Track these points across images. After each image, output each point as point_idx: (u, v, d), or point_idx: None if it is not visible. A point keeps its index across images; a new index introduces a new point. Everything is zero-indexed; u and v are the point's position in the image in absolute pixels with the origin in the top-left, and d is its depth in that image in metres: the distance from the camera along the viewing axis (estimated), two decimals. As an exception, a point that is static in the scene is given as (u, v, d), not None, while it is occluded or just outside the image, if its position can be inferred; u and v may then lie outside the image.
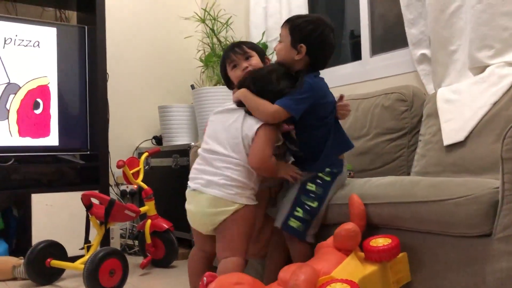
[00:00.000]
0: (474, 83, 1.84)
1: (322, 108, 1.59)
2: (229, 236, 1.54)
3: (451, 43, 2.03)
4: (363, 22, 2.63)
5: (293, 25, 1.61)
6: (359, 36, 2.67)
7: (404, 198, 1.40)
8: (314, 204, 1.57)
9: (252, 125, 1.56)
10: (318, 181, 1.59)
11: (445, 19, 2.02)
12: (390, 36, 2.57)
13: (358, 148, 2.18)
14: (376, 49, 2.60)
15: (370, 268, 1.32)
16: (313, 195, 1.58)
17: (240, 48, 1.71)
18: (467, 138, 1.74)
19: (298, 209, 1.57)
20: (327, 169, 1.60)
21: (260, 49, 1.78)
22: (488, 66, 1.85)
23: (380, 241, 1.36)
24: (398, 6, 2.26)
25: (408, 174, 1.99)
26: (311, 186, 1.58)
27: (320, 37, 1.59)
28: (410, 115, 2.10)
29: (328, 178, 1.60)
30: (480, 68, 1.89)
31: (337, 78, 2.72)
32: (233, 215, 1.53)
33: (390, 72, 2.39)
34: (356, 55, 2.73)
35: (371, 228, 1.49)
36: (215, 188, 1.53)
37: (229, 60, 1.72)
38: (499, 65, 1.81)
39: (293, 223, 1.56)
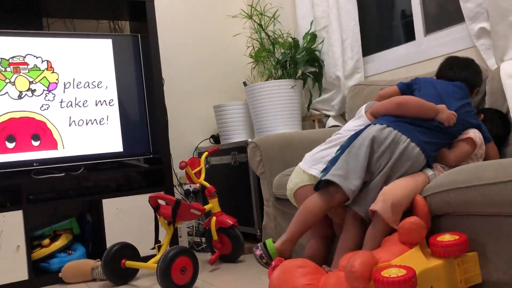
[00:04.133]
0: (540, 54, 1.74)
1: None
2: None
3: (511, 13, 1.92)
4: (415, 0, 2.55)
5: None
6: (411, 16, 2.58)
7: (471, 182, 1.34)
8: (336, 153, 1.65)
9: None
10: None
11: (503, -11, 1.91)
12: (444, 12, 2.47)
13: (418, 132, 2.12)
14: (430, 27, 2.51)
15: (435, 262, 1.30)
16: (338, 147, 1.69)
17: None
18: (536, 112, 1.65)
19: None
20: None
21: None
22: (554, 34, 1.74)
23: (447, 237, 1.34)
24: (450, -19, 2.17)
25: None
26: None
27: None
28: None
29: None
30: (546, 37, 1.78)
31: (391, 61, 2.66)
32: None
33: (447, 50, 2.29)
34: (409, 36, 2.64)
35: (440, 218, 1.45)
36: None
37: None
38: None
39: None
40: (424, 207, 1.43)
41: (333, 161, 1.61)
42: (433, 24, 2.50)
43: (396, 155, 1.52)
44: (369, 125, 1.66)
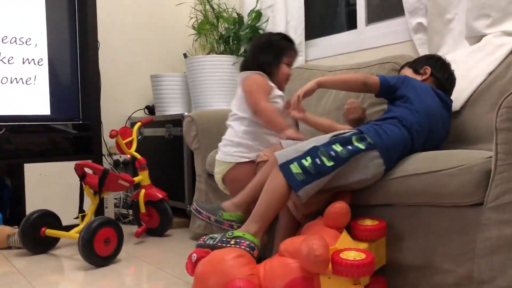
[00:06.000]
0: (470, 53, 1.83)
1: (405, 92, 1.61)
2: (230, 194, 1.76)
3: (447, 11, 2.00)
4: (359, -11, 2.59)
5: (414, 60, 1.80)
6: (355, 4, 2.62)
7: (396, 174, 1.40)
8: (329, 163, 1.39)
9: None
10: (348, 146, 1.42)
11: (442, -13, 1.99)
12: (386, 4, 2.53)
13: (352, 118, 2.18)
14: (372, 17, 2.56)
15: (363, 246, 1.34)
16: (333, 154, 1.40)
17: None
18: (462, 108, 1.74)
19: (308, 158, 1.41)
20: (368, 137, 1.44)
21: None
22: (484, 35, 1.84)
23: (368, 222, 1.39)
24: (395, -27, 2.22)
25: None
26: (337, 146, 1.42)
27: (439, 61, 1.72)
28: (405, 85, 2.09)
29: (361, 146, 1.43)
30: (476, 38, 1.87)
31: (332, 48, 2.70)
32: (226, 174, 1.79)
33: (386, 41, 2.36)
34: (351, 24, 2.69)
35: (365, 208, 1.50)
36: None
37: (292, 55, 1.86)
38: (495, 35, 1.79)
39: (295, 168, 1.41)
40: (348, 197, 1.47)
41: (319, 168, 1.39)
42: (375, 15, 2.55)
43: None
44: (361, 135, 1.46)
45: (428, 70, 1.70)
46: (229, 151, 1.80)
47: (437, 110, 1.59)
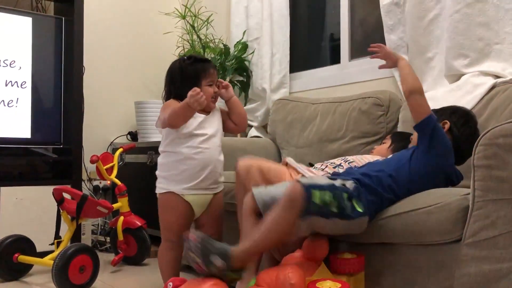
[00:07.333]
0: (450, 91, 1.88)
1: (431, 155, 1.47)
2: None
3: (428, 50, 2.06)
4: (343, 26, 2.65)
5: (439, 109, 1.62)
6: (339, 40, 2.69)
7: (376, 217, 1.39)
8: (334, 209, 1.32)
9: None
10: (354, 203, 1.36)
11: (423, 27, 2.05)
12: (369, 41, 2.58)
13: (334, 151, 2.21)
14: (355, 53, 2.62)
15: (341, 278, 1.33)
16: (343, 206, 1.33)
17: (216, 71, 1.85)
18: (441, 144, 1.77)
19: (330, 193, 1.32)
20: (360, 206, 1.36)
21: None
22: (463, 74, 1.89)
23: (346, 255, 1.39)
24: (378, 12, 2.29)
25: (383, 178, 2.01)
26: (356, 203, 1.36)
27: (463, 118, 1.58)
28: (386, 120, 2.13)
29: (359, 208, 1.35)
30: (455, 76, 1.93)
31: (316, 81, 2.74)
32: None
33: (368, 77, 2.41)
34: (335, 59, 2.75)
35: (345, 244, 1.50)
36: None
37: (211, 74, 1.78)
38: (473, 74, 1.85)
39: (317, 197, 1.30)
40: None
41: (326, 209, 1.32)
42: (358, 50, 2.62)
43: None
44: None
45: (447, 125, 1.56)
46: (157, 183, 1.84)
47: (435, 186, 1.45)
